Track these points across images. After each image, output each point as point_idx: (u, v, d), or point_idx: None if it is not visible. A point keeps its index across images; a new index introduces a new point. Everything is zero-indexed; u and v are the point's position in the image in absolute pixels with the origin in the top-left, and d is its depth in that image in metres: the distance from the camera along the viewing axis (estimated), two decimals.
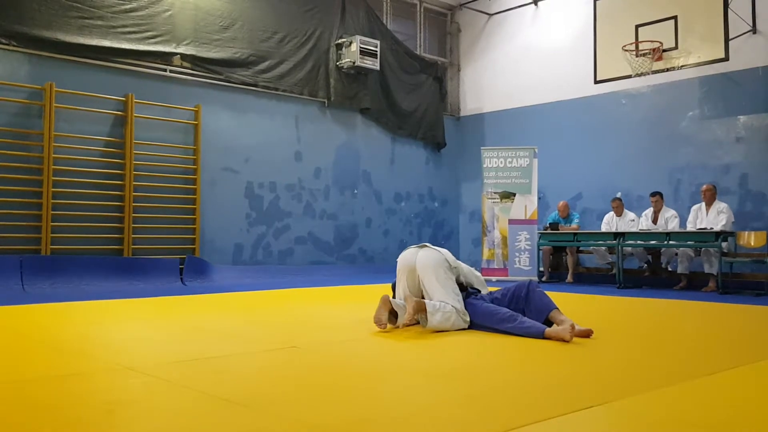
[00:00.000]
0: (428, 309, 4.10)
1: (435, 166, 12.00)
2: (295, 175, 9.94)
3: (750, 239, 8.34)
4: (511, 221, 9.81)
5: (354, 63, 10.07)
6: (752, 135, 8.87)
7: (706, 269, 8.26)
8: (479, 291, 4.56)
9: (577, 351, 3.59)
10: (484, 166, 10.03)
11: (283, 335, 3.98)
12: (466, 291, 4.52)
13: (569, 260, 9.64)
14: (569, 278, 9.55)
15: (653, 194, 8.95)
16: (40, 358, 3.37)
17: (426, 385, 2.80)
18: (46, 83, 7.58)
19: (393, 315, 4.21)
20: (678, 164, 9.47)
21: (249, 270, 9.17)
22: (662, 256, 8.99)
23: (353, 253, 10.47)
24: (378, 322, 4.12)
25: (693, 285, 8.47)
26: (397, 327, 4.19)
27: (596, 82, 9.70)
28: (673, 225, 8.68)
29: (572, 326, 3.82)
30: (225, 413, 2.28)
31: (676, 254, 8.78)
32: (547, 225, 9.84)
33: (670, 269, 8.97)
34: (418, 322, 4.21)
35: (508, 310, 4.11)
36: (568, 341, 3.78)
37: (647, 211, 9.08)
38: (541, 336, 3.85)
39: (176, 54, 8.62)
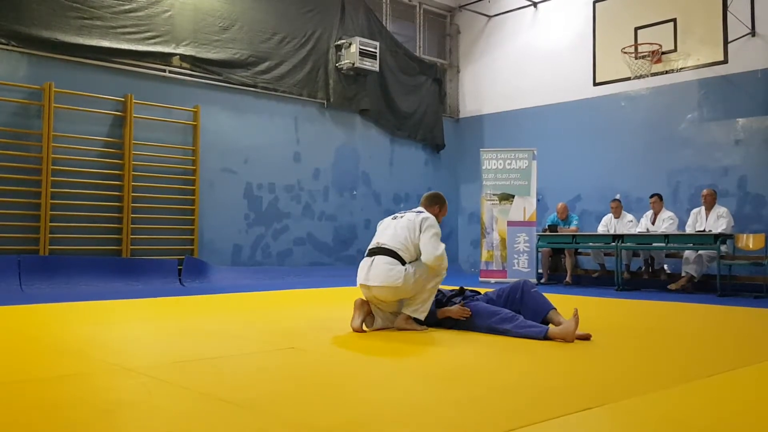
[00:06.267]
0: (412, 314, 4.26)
1: (434, 168, 12.00)
2: (294, 176, 9.94)
3: (748, 242, 8.33)
4: (510, 223, 9.81)
5: (353, 64, 10.07)
6: (751, 137, 8.88)
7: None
8: (478, 293, 4.56)
9: (576, 353, 3.59)
10: (483, 167, 10.03)
11: (281, 336, 3.98)
12: (464, 294, 4.52)
13: (567, 262, 9.64)
14: (567, 280, 9.55)
15: (652, 196, 8.97)
16: (38, 358, 3.37)
17: (425, 387, 2.80)
18: (45, 83, 7.58)
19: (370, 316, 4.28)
20: (677, 166, 9.48)
21: (247, 271, 9.17)
22: (656, 259, 8.98)
23: (352, 255, 10.45)
24: (356, 328, 4.13)
25: (699, 287, 8.38)
26: (375, 329, 4.25)
27: (595, 84, 9.71)
28: (667, 226, 8.69)
29: (576, 323, 3.82)
30: (223, 414, 2.27)
31: (667, 256, 8.81)
32: (546, 227, 9.85)
33: (668, 271, 8.97)
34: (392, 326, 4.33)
35: (509, 311, 4.11)
36: (571, 341, 3.78)
37: (648, 213, 9.09)
38: (543, 337, 3.84)
39: (175, 54, 8.62)
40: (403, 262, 4.19)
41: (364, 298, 4.26)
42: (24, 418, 2.22)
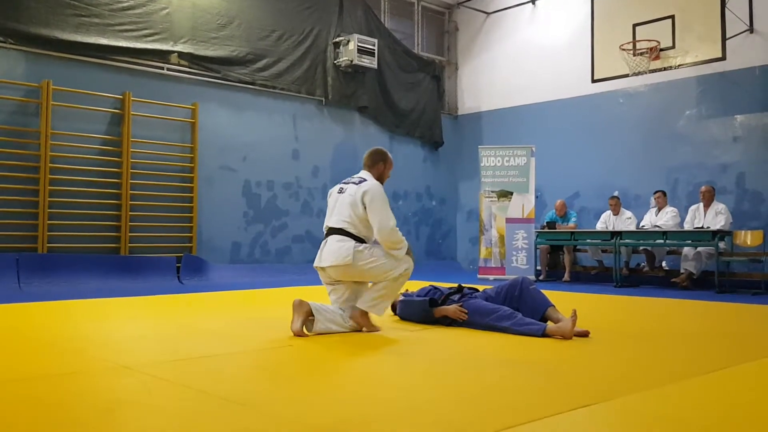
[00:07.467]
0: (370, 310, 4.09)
1: (433, 165, 12.00)
2: (292, 174, 9.93)
3: (747, 238, 8.35)
4: (509, 220, 9.81)
5: (352, 61, 10.06)
6: (749, 134, 8.89)
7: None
8: (476, 290, 4.56)
9: (574, 350, 3.59)
10: (482, 164, 10.03)
11: (280, 333, 3.98)
12: (462, 292, 4.51)
13: (566, 259, 9.65)
14: (566, 277, 9.55)
15: (656, 192, 8.99)
16: (37, 356, 3.36)
17: (423, 384, 2.80)
18: (43, 81, 7.56)
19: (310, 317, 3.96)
20: (675, 163, 9.48)
21: (246, 268, 9.16)
22: (657, 256, 9.01)
23: None
24: (296, 332, 3.85)
25: (697, 283, 8.37)
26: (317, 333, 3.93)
27: (594, 81, 9.70)
28: (669, 218, 8.71)
29: (573, 321, 3.82)
30: (223, 412, 2.28)
31: (670, 253, 8.83)
32: (545, 224, 9.85)
33: (666, 268, 8.98)
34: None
35: (507, 308, 4.11)
36: (569, 338, 3.79)
37: (653, 209, 9.10)
38: (541, 334, 3.85)
39: (174, 52, 8.61)
40: (357, 239, 4.01)
41: (303, 300, 3.96)
42: (24, 417, 2.22)
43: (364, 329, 4.08)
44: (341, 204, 4.12)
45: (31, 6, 7.48)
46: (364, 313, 4.09)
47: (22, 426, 2.11)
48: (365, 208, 4.03)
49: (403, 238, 4.11)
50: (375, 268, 4.00)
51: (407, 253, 4.11)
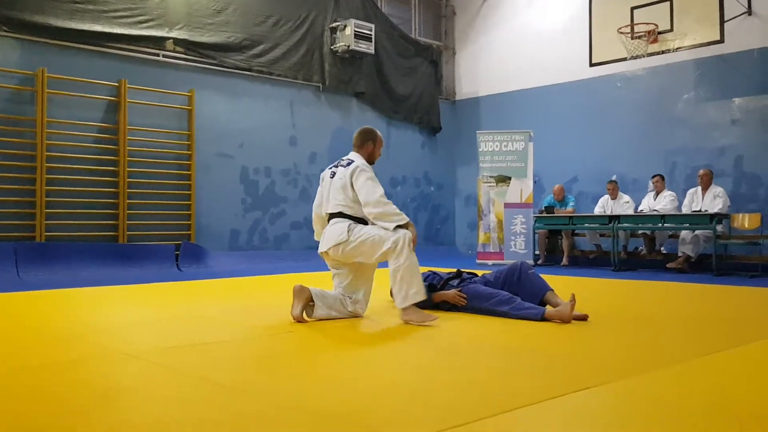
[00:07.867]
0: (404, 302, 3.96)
1: (431, 150, 11.98)
2: (290, 160, 9.91)
3: (744, 221, 8.36)
4: (507, 205, 9.82)
5: (348, 47, 10.01)
6: (747, 117, 8.87)
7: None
8: (475, 275, 4.57)
9: (573, 333, 3.61)
10: (480, 150, 10.02)
11: (279, 320, 3.99)
12: (461, 277, 4.52)
13: (564, 243, 9.67)
14: (564, 261, 9.58)
15: (654, 176, 8.99)
16: (36, 345, 3.37)
17: (423, 370, 2.81)
18: (39, 69, 7.51)
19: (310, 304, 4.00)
20: (673, 147, 9.47)
21: (245, 256, 9.17)
22: (658, 239, 9.03)
23: None
24: (296, 317, 3.89)
25: (695, 266, 8.38)
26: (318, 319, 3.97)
27: (592, 65, 9.67)
28: (668, 202, 8.71)
29: (572, 306, 3.83)
30: (223, 398, 2.28)
31: (671, 236, 8.85)
32: (543, 208, 9.86)
33: (664, 251, 9.00)
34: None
35: (506, 293, 4.12)
36: (568, 322, 3.80)
37: (651, 193, 9.10)
38: (540, 318, 3.86)
39: (169, 38, 8.55)
40: (355, 219, 4.04)
41: (304, 285, 3.98)
42: (24, 405, 2.23)
43: (425, 324, 3.89)
44: (334, 189, 4.15)
45: None
46: (408, 310, 3.94)
47: (23, 414, 2.12)
48: (353, 187, 4.05)
49: (398, 210, 4.01)
50: (366, 241, 3.95)
51: (406, 226, 3.99)
